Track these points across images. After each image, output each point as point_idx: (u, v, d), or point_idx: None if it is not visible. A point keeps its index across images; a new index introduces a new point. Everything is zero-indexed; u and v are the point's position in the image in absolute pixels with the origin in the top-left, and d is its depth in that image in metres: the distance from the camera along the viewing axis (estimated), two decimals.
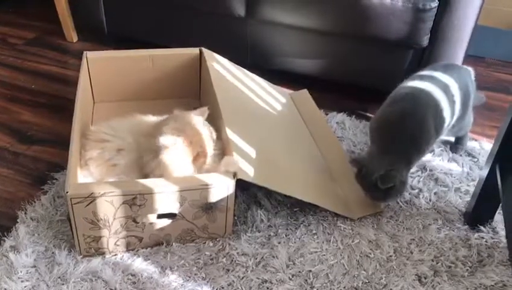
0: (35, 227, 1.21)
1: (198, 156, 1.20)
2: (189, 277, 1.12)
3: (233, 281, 1.12)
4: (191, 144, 1.19)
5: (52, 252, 1.15)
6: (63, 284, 1.09)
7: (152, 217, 1.14)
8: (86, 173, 1.24)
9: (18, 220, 1.23)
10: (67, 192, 1.04)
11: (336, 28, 1.63)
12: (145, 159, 1.20)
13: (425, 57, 1.60)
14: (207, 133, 1.23)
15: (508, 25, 2.05)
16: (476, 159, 1.50)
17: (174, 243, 1.19)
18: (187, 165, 1.20)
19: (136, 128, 1.27)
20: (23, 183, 1.38)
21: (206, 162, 1.21)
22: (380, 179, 1.18)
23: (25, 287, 1.08)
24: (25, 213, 1.25)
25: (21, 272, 1.11)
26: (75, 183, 1.11)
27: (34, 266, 1.13)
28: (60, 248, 1.16)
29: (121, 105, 1.56)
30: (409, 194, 1.36)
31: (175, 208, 1.13)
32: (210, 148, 1.22)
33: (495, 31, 2.04)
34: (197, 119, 1.25)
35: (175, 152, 1.18)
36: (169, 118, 1.26)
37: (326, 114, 1.69)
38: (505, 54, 2.09)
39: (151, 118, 1.32)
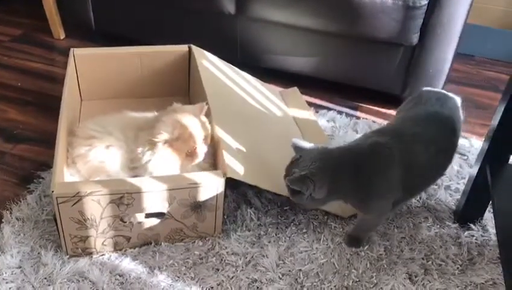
0: (20, 227, 1.19)
1: (190, 154, 1.19)
2: (178, 277, 1.11)
3: (222, 280, 1.10)
4: (184, 141, 1.17)
5: (38, 253, 1.13)
6: (49, 285, 1.07)
7: (140, 217, 1.12)
8: (73, 171, 1.22)
9: (3, 220, 1.21)
10: (52, 191, 1.02)
11: (326, 26, 1.63)
12: (138, 152, 1.19)
13: (415, 55, 1.60)
14: (199, 131, 1.21)
15: (497, 23, 2.06)
16: (465, 157, 1.50)
17: (162, 243, 1.18)
18: (177, 163, 1.19)
19: (125, 124, 1.26)
20: (9, 183, 1.36)
21: (197, 160, 1.20)
22: (293, 177, 1.05)
23: (9, 288, 1.06)
24: (10, 213, 1.23)
25: (6, 273, 1.09)
26: (61, 182, 1.09)
27: (20, 267, 1.11)
28: (46, 248, 1.14)
29: (109, 103, 1.54)
30: None
31: (163, 207, 1.12)
32: (201, 146, 1.20)
33: (484, 29, 2.05)
34: (193, 115, 1.23)
35: (167, 150, 1.17)
36: (165, 112, 1.24)
37: (317, 112, 1.68)
38: (494, 52, 2.10)
39: (141, 114, 1.30)
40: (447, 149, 1.19)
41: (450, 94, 1.27)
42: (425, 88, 1.32)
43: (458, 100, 1.26)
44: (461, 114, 1.25)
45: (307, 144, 1.11)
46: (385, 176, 1.08)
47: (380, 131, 1.20)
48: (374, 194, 1.09)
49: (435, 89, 1.33)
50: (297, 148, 1.10)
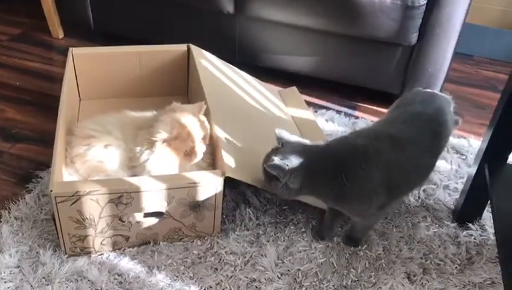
0: (19, 226, 1.19)
1: (188, 153, 1.19)
2: (177, 277, 1.11)
3: (221, 280, 1.10)
4: (183, 140, 1.17)
5: (37, 252, 1.13)
6: (47, 284, 1.07)
7: (139, 216, 1.12)
8: (71, 170, 1.22)
9: (1, 220, 1.21)
10: (51, 190, 1.02)
11: (324, 26, 1.63)
12: (137, 151, 1.18)
13: (414, 54, 1.60)
14: (198, 130, 1.21)
15: (496, 23, 2.07)
16: (464, 157, 1.50)
17: (161, 242, 1.17)
18: (176, 162, 1.19)
19: (124, 123, 1.26)
20: (7, 182, 1.36)
21: (196, 159, 1.20)
22: (271, 162, 1.04)
23: (8, 288, 1.06)
24: (9, 212, 1.23)
25: (4, 272, 1.09)
26: (59, 182, 1.08)
27: (18, 267, 1.10)
28: (44, 247, 1.14)
29: (108, 102, 1.54)
30: None
31: (162, 207, 1.12)
32: (200, 145, 1.20)
33: (483, 29, 2.06)
34: (191, 114, 1.23)
35: (166, 149, 1.17)
36: (164, 112, 1.24)
37: (315, 112, 1.68)
38: (492, 52, 2.10)
39: (140, 114, 1.30)
40: (429, 150, 1.15)
41: (440, 94, 1.25)
42: (415, 89, 1.31)
43: (448, 101, 1.23)
44: (450, 115, 1.21)
45: (290, 136, 1.12)
46: (362, 178, 1.06)
47: (359, 133, 1.19)
48: (350, 197, 1.07)
49: (423, 90, 1.30)
50: (280, 139, 1.11)
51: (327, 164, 1.06)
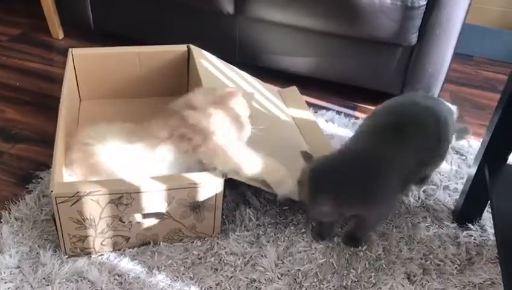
0: (19, 227, 1.19)
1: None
2: (177, 277, 1.11)
3: (221, 280, 1.10)
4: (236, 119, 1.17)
5: (37, 253, 1.13)
6: (47, 285, 1.07)
7: (139, 217, 1.12)
8: (71, 171, 1.21)
9: (1, 220, 1.21)
10: (51, 191, 1.02)
11: (324, 26, 1.63)
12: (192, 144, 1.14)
13: (414, 55, 1.60)
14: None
15: (495, 23, 2.07)
16: (464, 157, 1.50)
17: (161, 243, 1.18)
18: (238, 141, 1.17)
19: (126, 132, 1.23)
20: (7, 183, 1.36)
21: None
22: (317, 192, 1.06)
23: (8, 288, 1.06)
24: (9, 213, 1.23)
25: (4, 273, 1.09)
26: (60, 182, 1.08)
27: (18, 267, 1.10)
28: (44, 248, 1.14)
29: (108, 103, 1.54)
30: None
31: (162, 207, 1.12)
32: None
33: (483, 29, 2.06)
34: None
35: (224, 131, 1.15)
36: (195, 94, 1.22)
37: (315, 112, 1.68)
38: (492, 53, 2.10)
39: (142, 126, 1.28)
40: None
41: (431, 99, 1.29)
42: (405, 93, 1.33)
43: (442, 107, 1.26)
44: (443, 120, 1.22)
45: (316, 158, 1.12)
46: (386, 181, 1.11)
47: (358, 138, 1.21)
48: (377, 202, 1.11)
49: (413, 94, 1.34)
50: (307, 159, 1.12)
51: (357, 179, 1.08)
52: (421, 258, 1.18)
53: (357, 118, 1.68)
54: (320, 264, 1.15)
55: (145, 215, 1.13)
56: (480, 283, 1.12)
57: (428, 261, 1.17)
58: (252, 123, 1.43)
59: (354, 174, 1.08)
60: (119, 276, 1.10)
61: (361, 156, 1.12)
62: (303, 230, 1.24)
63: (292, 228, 1.24)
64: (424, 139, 1.18)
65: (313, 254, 1.18)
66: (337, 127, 1.62)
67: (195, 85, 1.48)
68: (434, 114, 1.21)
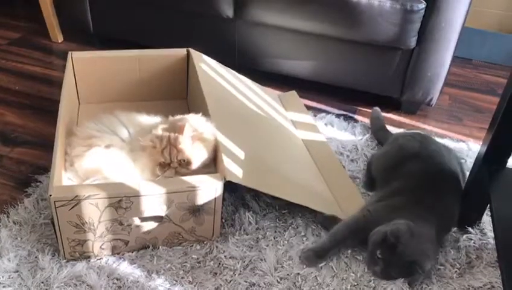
0: (17, 231, 1.19)
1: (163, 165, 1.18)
2: (176, 281, 1.10)
3: (220, 284, 1.10)
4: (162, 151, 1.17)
5: (35, 257, 1.13)
6: (46, 289, 1.06)
7: (138, 220, 1.12)
8: (71, 174, 1.21)
9: (0, 224, 1.21)
10: (50, 195, 1.02)
11: (324, 30, 1.63)
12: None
13: (413, 58, 1.60)
14: (188, 144, 1.18)
15: (494, 27, 2.07)
16: (463, 161, 1.50)
17: (160, 247, 1.17)
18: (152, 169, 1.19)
19: (129, 122, 1.26)
20: (6, 186, 1.35)
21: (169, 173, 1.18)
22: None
23: None
24: (8, 217, 1.22)
25: (3, 277, 1.08)
26: (58, 186, 1.08)
27: (17, 271, 1.10)
28: (43, 252, 1.14)
29: (107, 106, 1.52)
30: None
31: (162, 211, 1.11)
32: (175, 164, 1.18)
33: (482, 33, 2.06)
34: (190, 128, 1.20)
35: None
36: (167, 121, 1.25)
37: (315, 115, 1.68)
38: (491, 56, 2.10)
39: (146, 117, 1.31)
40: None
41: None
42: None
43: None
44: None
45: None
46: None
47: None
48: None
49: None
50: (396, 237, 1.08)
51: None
52: None
53: (356, 121, 1.68)
54: (320, 267, 1.15)
55: (144, 219, 1.12)
56: (480, 287, 1.12)
57: None
58: (252, 127, 1.43)
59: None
60: (118, 280, 1.10)
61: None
62: (302, 233, 1.23)
63: (292, 231, 1.24)
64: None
65: None
66: (337, 130, 1.62)
67: (194, 89, 1.48)
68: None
